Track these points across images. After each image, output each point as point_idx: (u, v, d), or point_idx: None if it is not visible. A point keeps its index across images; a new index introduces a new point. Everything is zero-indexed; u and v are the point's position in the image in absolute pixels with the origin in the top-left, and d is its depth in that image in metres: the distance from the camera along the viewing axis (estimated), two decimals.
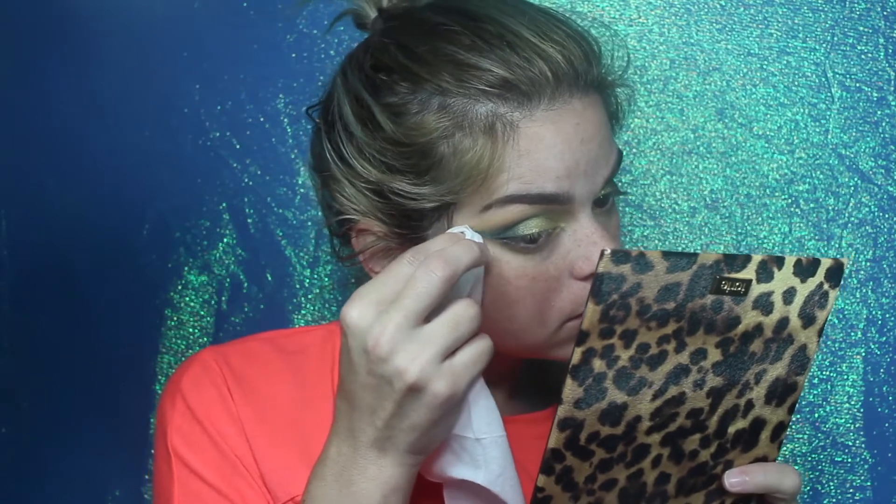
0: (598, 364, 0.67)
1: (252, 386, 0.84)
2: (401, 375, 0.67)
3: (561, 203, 0.76)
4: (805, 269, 0.69)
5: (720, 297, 0.67)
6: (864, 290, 1.07)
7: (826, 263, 0.69)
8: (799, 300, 0.70)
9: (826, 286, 0.70)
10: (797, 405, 1.07)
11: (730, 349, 0.70)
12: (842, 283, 0.70)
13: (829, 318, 1.06)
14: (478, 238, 0.74)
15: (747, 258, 0.67)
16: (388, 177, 0.77)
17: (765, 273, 0.68)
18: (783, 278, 0.69)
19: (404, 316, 0.67)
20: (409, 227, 0.78)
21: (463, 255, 0.70)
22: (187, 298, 1.12)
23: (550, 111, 0.75)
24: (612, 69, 0.83)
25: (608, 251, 0.64)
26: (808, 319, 0.70)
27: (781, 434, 0.74)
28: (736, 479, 0.73)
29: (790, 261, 0.68)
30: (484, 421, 0.74)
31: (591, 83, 0.78)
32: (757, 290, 0.68)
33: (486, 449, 0.74)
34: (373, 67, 0.80)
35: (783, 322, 0.70)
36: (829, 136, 1.07)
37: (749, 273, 0.67)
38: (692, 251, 0.68)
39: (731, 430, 0.72)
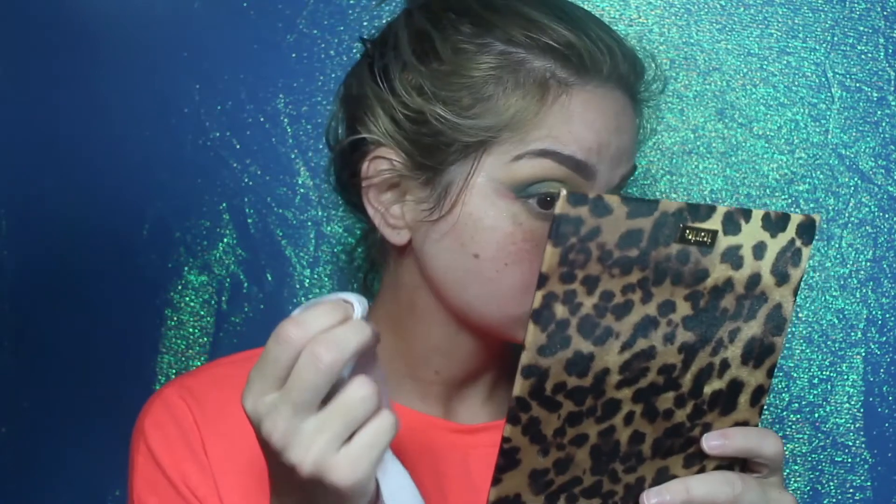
0: (560, 310, 0.65)
1: (222, 410, 0.83)
2: (297, 469, 0.64)
3: (585, 176, 0.78)
4: (774, 223, 0.68)
5: (685, 246, 0.66)
6: (864, 290, 1.07)
7: (797, 219, 0.68)
8: (770, 256, 0.68)
9: (798, 242, 0.69)
10: (798, 405, 1.08)
11: (700, 303, 0.68)
12: (814, 240, 0.69)
13: (829, 317, 1.07)
14: (363, 306, 0.68)
15: (711, 208, 0.66)
16: (430, 104, 0.79)
17: (731, 224, 0.67)
18: (751, 232, 0.67)
19: (292, 409, 0.64)
20: (432, 160, 0.79)
21: (351, 339, 0.64)
22: (187, 298, 1.12)
23: (601, 89, 0.79)
24: (650, 90, 0.87)
25: (565, 192, 0.63)
26: (781, 277, 0.69)
27: (762, 398, 0.73)
28: (716, 442, 0.72)
29: (758, 214, 0.67)
30: (397, 500, 0.70)
31: (633, 91, 0.83)
32: (724, 241, 0.67)
33: None
34: (443, 8, 0.82)
35: (755, 278, 0.69)
36: (829, 136, 1.07)
37: (714, 224, 0.66)
38: (653, 198, 0.67)
39: (708, 390, 0.71)
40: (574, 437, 0.69)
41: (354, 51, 1.07)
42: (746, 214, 0.67)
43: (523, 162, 0.77)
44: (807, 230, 0.69)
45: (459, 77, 0.78)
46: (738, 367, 0.71)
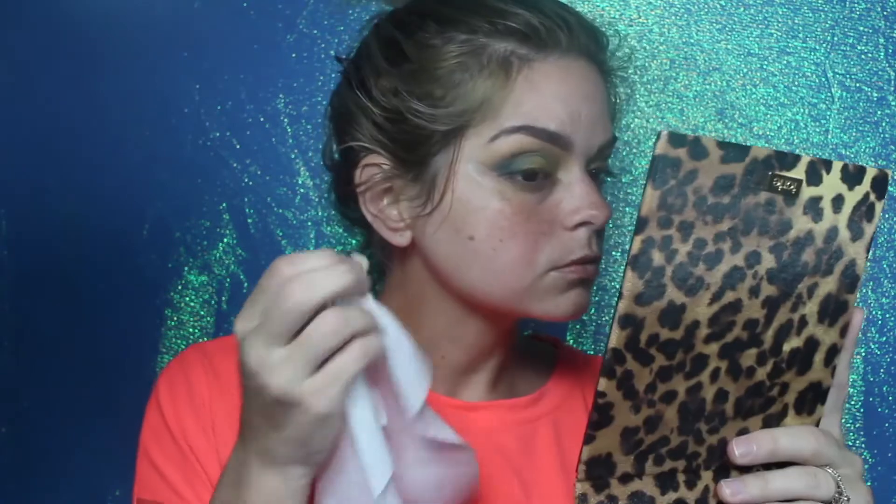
0: (657, 256, 0.65)
1: (232, 379, 0.84)
2: (264, 390, 0.67)
3: (561, 146, 0.80)
4: (852, 175, 0.68)
5: (772, 195, 0.67)
6: (864, 290, 1.07)
7: (871, 172, 0.69)
8: (847, 209, 0.69)
9: (872, 196, 0.69)
10: None
11: (783, 256, 0.68)
12: (886, 195, 0.70)
13: None
14: (364, 263, 0.70)
15: (797, 157, 0.67)
16: (405, 101, 0.81)
17: (814, 175, 0.67)
18: (831, 184, 0.68)
19: (266, 338, 0.67)
20: (416, 154, 0.82)
21: (328, 283, 0.66)
22: (187, 298, 1.12)
23: (562, 60, 0.82)
24: (616, 60, 0.88)
25: (665, 131, 0.64)
26: (856, 232, 0.70)
27: (834, 358, 0.73)
28: (742, 450, 0.72)
29: (837, 165, 0.68)
30: (362, 432, 0.70)
31: (598, 61, 0.85)
32: (807, 192, 0.68)
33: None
34: (407, 12, 0.85)
35: (833, 232, 0.69)
36: (829, 136, 1.07)
37: (799, 173, 0.67)
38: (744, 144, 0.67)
39: (787, 347, 0.71)
40: (664, 394, 0.70)
41: (354, 51, 1.07)
42: (827, 165, 0.68)
43: (500, 141, 0.80)
44: (880, 184, 0.69)
45: (428, 72, 0.81)
46: (814, 325, 0.71)
